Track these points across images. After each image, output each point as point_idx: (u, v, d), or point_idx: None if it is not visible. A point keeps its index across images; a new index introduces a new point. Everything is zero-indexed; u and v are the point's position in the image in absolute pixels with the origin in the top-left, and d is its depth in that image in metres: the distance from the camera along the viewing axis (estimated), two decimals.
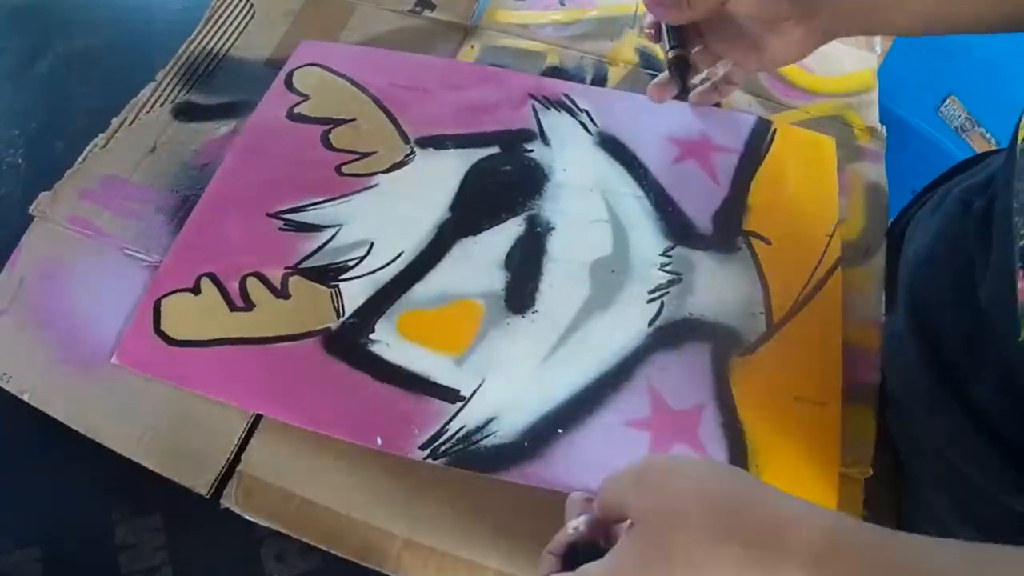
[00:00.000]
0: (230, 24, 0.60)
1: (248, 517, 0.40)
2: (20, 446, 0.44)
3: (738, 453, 0.41)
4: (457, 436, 0.41)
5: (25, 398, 0.43)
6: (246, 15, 0.60)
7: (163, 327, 0.44)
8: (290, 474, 0.41)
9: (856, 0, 0.42)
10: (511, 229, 0.49)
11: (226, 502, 0.40)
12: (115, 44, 0.63)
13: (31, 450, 0.44)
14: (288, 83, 0.55)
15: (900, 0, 0.42)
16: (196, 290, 0.45)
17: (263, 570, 0.41)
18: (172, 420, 0.42)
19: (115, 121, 0.53)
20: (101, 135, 0.53)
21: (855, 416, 0.43)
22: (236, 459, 0.41)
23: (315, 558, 0.41)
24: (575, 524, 0.33)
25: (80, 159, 0.51)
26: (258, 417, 0.42)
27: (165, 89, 0.55)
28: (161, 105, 0.55)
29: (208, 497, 0.40)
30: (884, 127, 0.56)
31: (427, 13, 0.61)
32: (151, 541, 0.41)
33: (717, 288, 0.47)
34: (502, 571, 0.39)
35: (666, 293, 0.46)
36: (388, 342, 0.44)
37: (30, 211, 0.49)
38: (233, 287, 0.45)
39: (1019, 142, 0.37)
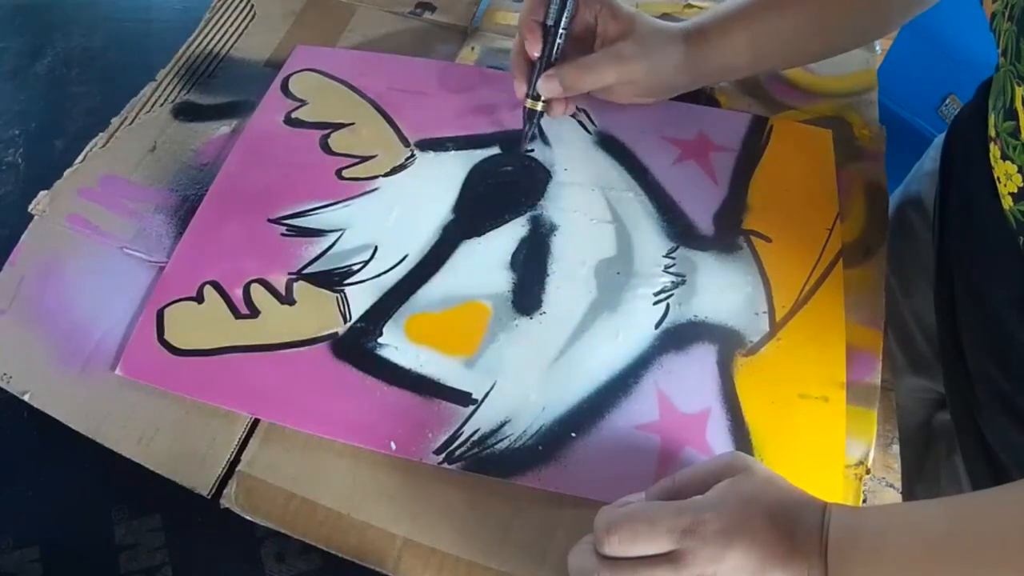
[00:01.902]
0: (230, 24, 0.60)
1: (248, 517, 0.40)
2: (20, 446, 0.44)
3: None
4: (472, 440, 0.41)
5: (26, 399, 0.43)
6: (246, 16, 0.60)
7: (167, 337, 0.44)
8: (290, 474, 0.41)
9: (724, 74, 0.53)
10: (515, 230, 0.49)
11: (226, 502, 0.40)
12: (115, 44, 0.64)
13: (31, 450, 0.44)
14: (284, 88, 0.55)
15: (724, 70, 0.52)
16: (199, 298, 0.45)
17: (263, 570, 0.41)
18: (172, 421, 0.42)
19: (115, 120, 0.53)
20: (101, 134, 0.53)
21: (856, 417, 0.43)
22: (236, 459, 0.41)
23: (315, 558, 0.41)
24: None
25: (80, 158, 0.51)
26: (258, 418, 0.42)
27: (165, 89, 0.55)
28: (161, 105, 0.55)
29: (209, 498, 0.40)
30: (884, 127, 0.56)
31: (427, 15, 0.61)
32: (151, 541, 0.41)
33: (720, 289, 0.47)
34: (502, 571, 0.39)
35: (671, 295, 0.46)
36: (397, 345, 0.44)
37: (29, 210, 0.49)
38: (237, 294, 0.45)
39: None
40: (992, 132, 0.41)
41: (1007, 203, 0.41)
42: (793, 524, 0.33)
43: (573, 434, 0.42)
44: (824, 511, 0.33)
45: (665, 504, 0.35)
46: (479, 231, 0.48)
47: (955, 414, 0.51)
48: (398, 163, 0.51)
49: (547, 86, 0.48)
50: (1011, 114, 0.39)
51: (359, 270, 0.47)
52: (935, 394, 0.56)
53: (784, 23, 0.48)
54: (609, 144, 0.53)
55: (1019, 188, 0.39)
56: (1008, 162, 0.40)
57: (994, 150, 0.41)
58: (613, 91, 0.51)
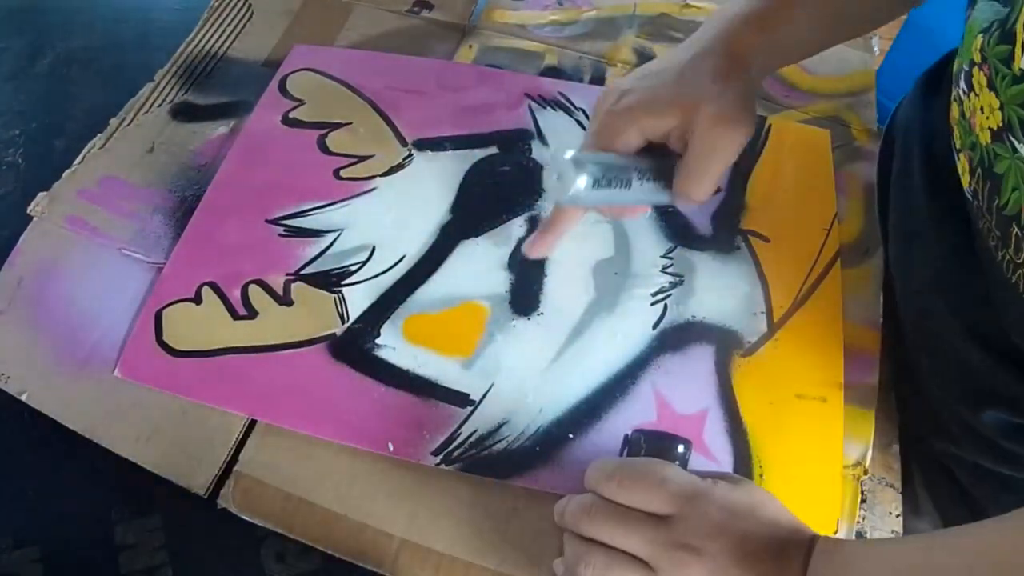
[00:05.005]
0: (228, 24, 0.60)
1: (245, 517, 0.40)
2: (20, 446, 0.44)
3: (742, 456, 0.41)
4: (469, 441, 0.41)
5: (24, 399, 0.43)
6: (244, 15, 0.60)
7: (165, 338, 0.44)
8: (287, 474, 0.41)
9: (765, 62, 0.41)
10: (512, 230, 0.49)
11: (223, 502, 0.40)
12: (114, 44, 0.64)
13: (31, 450, 0.44)
14: (282, 88, 0.55)
15: (797, 44, 0.42)
16: (197, 299, 0.45)
17: (263, 570, 0.41)
18: (170, 420, 0.42)
19: (113, 121, 0.53)
20: (99, 135, 0.53)
21: (854, 418, 0.43)
22: (233, 459, 0.41)
23: (315, 558, 0.41)
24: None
25: (78, 159, 0.51)
26: (255, 418, 0.42)
27: (163, 89, 0.55)
28: (159, 105, 0.55)
29: (206, 497, 0.40)
30: (883, 128, 0.56)
31: (425, 13, 0.61)
32: (151, 541, 0.41)
33: (718, 289, 0.47)
34: (499, 571, 0.39)
35: (669, 295, 0.46)
36: (394, 346, 0.44)
37: (28, 211, 0.49)
38: (235, 295, 0.45)
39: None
40: (977, 57, 0.37)
41: (984, 138, 0.37)
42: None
43: (571, 435, 0.42)
44: (811, 542, 0.33)
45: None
46: (477, 231, 0.48)
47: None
48: (396, 163, 0.51)
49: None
50: (1008, 37, 0.35)
51: (357, 270, 0.47)
52: None
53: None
54: None
55: (999, 126, 0.36)
56: (993, 93, 0.36)
57: (979, 76, 0.37)
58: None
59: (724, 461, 0.41)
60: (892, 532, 0.42)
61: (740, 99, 0.38)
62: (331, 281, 0.46)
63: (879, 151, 0.54)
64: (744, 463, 0.41)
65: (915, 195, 0.47)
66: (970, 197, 0.39)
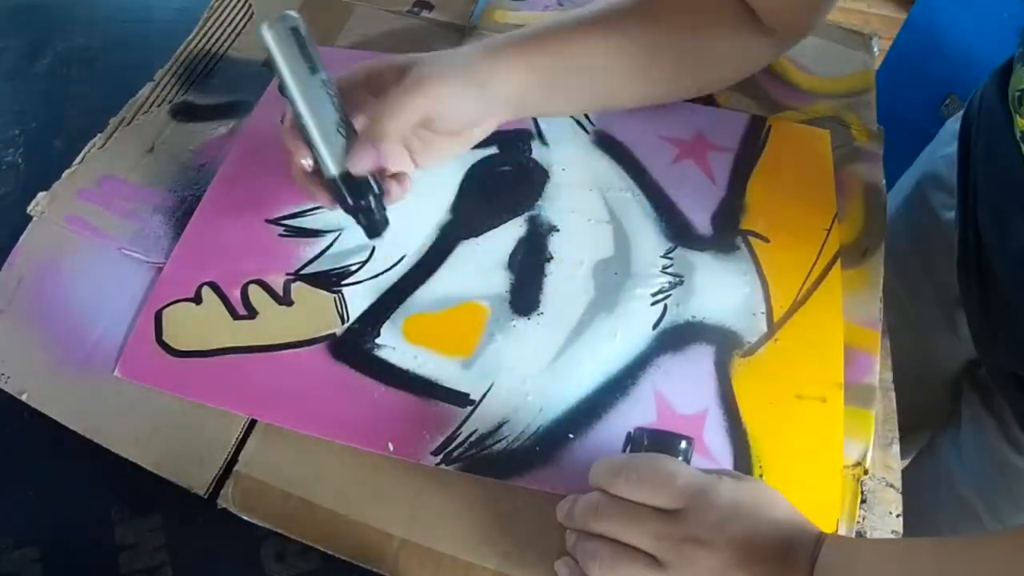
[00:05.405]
0: (228, 24, 0.60)
1: (245, 517, 0.40)
2: (20, 446, 0.44)
3: (742, 456, 0.41)
4: (469, 441, 0.41)
5: (24, 399, 0.43)
6: (244, 15, 0.60)
7: (165, 338, 0.44)
8: (287, 474, 0.41)
9: (529, 99, 0.45)
10: (512, 230, 0.49)
11: (223, 502, 0.40)
12: (114, 43, 0.64)
13: (31, 450, 0.44)
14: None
15: (566, 94, 0.46)
16: (197, 299, 0.45)
17: (263, 570, 0.41)
18: (170, 421, 0.42)
19: (113, 121, 0.53)
20: (99, 135, 0.53)
21: (854, 418, 0.43)
22: (234, 459, 0.41)
23: (315, 558, 0.41)
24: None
25: (78, 159, 0.51)
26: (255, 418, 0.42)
27: (163, 89, 0.55)
28: (159, 105, 0.55)
29: (206, 497, 0.40)
30: (882, 128, 0.56)
31: (425, 14, 0.61)
32: (151, 541, 0.41)
33: (718, 289, 0.47)
34: (499, 571, 0.39)
35: (668, 295, 0.46)
36: (394, 346, 0.44)
37: (28, 211, 0.49)
38: (235, 295, 0.45)
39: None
40: None
41: None
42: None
43: (571, 435, 0.42)
44: (818, 539, 0.34)
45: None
46: (477, 231, 0.48)
47: (989, 372, 0.53)
48: None
49: (359, 155, 0.40)
50: None
51: (357, 271, 0.47)
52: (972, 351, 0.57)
53: (597, 61, 0.44)
54: (607, 144, 0.53)
55: None
56: None
57: None
58: (422, 142, 0.43)
59: (724, 461, 0.41)
60: (892, 532, 0.42)
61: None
62: (331, 281, 0.46)
63: (959, 132, 0.54)
64: (744, 463, 0.41)
65: (1004, 174, 0.47)
66: None
